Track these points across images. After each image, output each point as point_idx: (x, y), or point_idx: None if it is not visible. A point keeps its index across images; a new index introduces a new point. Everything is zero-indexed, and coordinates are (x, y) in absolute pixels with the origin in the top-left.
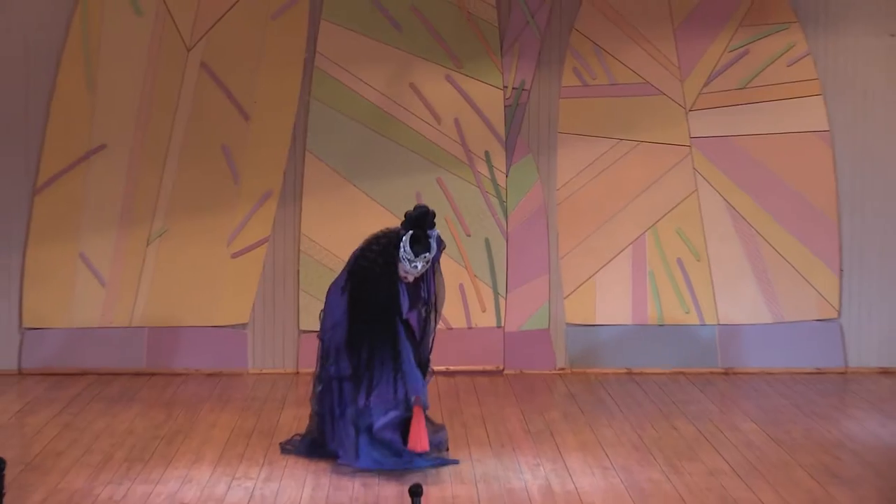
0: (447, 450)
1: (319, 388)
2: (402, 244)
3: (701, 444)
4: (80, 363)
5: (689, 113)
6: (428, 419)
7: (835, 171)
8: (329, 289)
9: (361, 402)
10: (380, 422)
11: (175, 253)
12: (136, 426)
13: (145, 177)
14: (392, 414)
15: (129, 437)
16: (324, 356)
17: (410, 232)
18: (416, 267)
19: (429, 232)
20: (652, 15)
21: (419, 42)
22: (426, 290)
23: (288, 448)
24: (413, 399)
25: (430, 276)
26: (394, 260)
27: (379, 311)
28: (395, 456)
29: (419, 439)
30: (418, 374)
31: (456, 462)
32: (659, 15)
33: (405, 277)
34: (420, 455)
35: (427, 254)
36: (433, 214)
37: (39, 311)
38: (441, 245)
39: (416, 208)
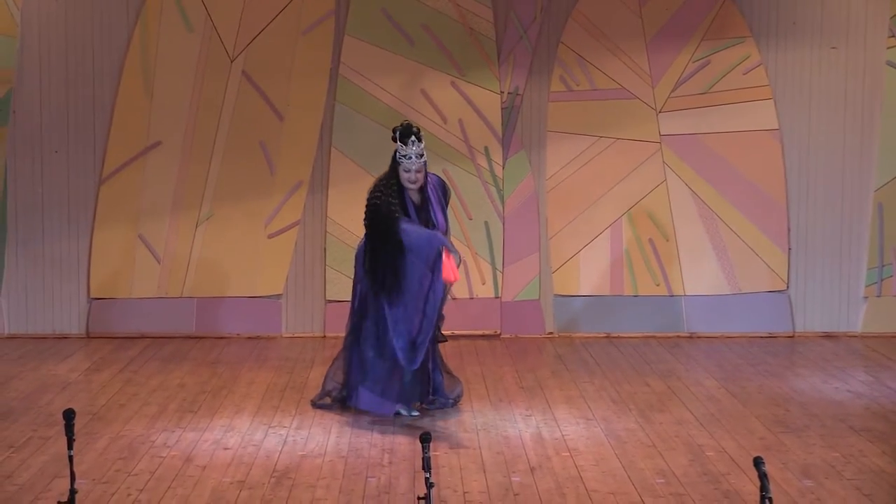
0: (458, 402)
1: (348, 342)
2: (395, 151)
3: (670, 397)
4: (138, 328)
5: (660, 114)
6: (448, 371)
7: (784, 163)
8: (356, 256)
9: (385, 312)
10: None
11: (219, 234)
12: (186, 382)
13: (194, 169)
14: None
15: (180, 392)
16: (351, 313)
17: (398, 134)
18: (410, 158)
19: (409, 140)
20: (627, 30)
21: (428, 54)
22: (435, 220)
23: (319, 404)
24: (441, 249)
25: (435, 206)
26: (395, 179)
27: (391, 234)
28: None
29: (451, 271)
30: (439, 236)
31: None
32: (633, 30)
33: (409, 183)
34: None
35: (418, 143)
36: (417, 127)
37: (104, 284)
38: (447, 190)
39: (401, 124)
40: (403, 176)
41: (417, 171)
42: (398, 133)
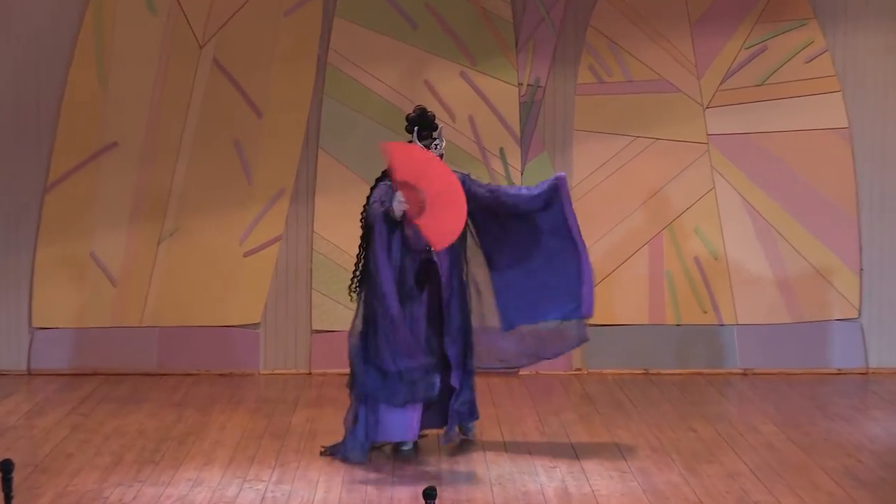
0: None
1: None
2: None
3: (720, 446)
4: (90, 363)
5: (707, 110)
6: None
7: (854, 168)
8: None
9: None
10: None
11: (186, 251)
12: (146, 427)
13: (157, 175)
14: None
15: (139, 439)
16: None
17: (416, 129)
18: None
19: (434, 134)
20: (668, 12)
21: (433, 39)
22: None
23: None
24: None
25: None
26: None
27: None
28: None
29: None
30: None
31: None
32: (675, 12)
33: None
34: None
35: (440, 141)
36: (432, 113)
37: (49, 311)
38: (466, 178)
39: (414, 110)
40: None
41: None
42: (416, 125)
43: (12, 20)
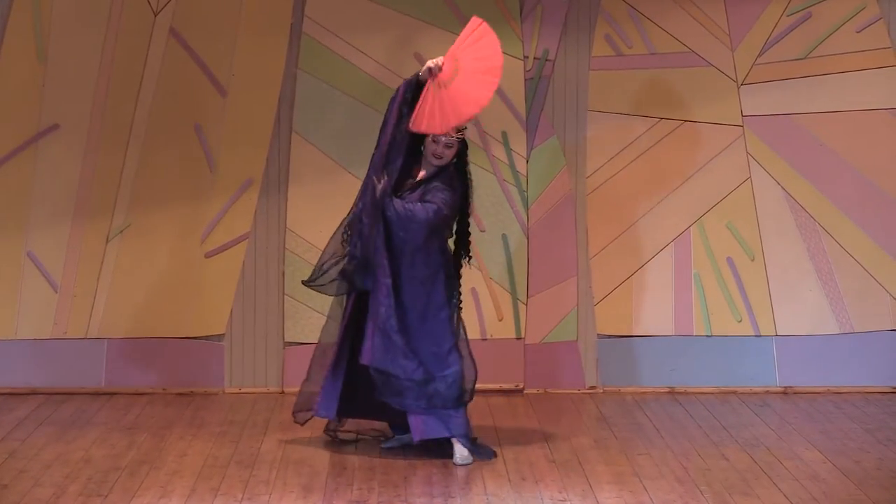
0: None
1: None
2: None
3: (757, 476)
4: (27, 381)
5: (742, 87)
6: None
7: None
8: None
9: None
10: None
11: (139, 252)
12: (93, 455)
13: (105, 162)
14: None
15: (85, 468)
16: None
17: None
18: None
19: None
20: None
21: (425, 5)
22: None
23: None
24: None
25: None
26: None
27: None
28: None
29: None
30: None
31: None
32: None
33: (434, 158)
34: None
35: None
36: None
37: None
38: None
39: None
40: (429, 147)
41: (447, 147)
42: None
43: None
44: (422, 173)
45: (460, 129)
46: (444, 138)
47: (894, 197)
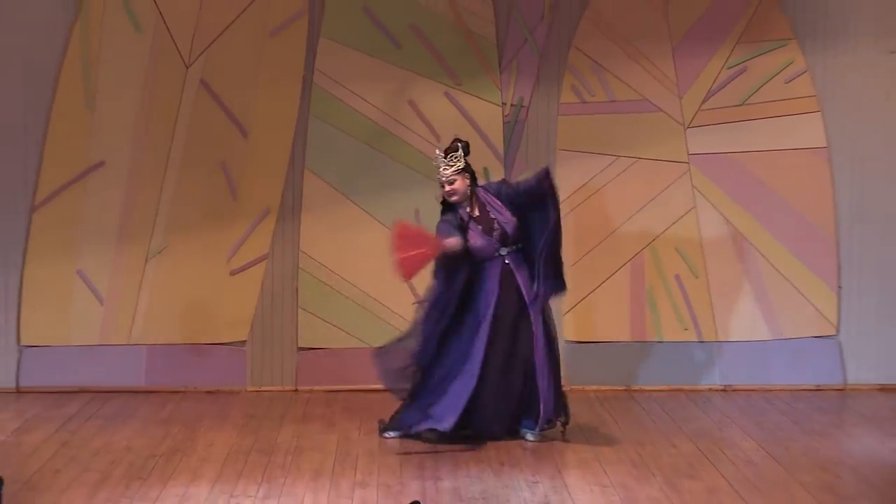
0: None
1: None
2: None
3: (700, 461)
4: (77, 381)
5: (688, 130)
6: None
7: (833, 188)
8: None
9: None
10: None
11: (174, 270)
12: (134, 444)
13: (144, 193)
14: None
15: (126, 455)
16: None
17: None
18: (439, 167)
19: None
20: (650, 32)
21: (418, 59)
22: (497, 216)
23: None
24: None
25: (498, 210)
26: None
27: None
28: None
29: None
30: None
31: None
32: (657, 32)
33: (447, 196)
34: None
35: (441, 155)
36: (465, 143)
37: (37, 329)
38: (502, 189)
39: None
40: (446, 195)
41: (448, 184)
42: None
43: None
44: (467, 210)
45: (450, 165)
46: (443, 179)
47: (817, 224)
